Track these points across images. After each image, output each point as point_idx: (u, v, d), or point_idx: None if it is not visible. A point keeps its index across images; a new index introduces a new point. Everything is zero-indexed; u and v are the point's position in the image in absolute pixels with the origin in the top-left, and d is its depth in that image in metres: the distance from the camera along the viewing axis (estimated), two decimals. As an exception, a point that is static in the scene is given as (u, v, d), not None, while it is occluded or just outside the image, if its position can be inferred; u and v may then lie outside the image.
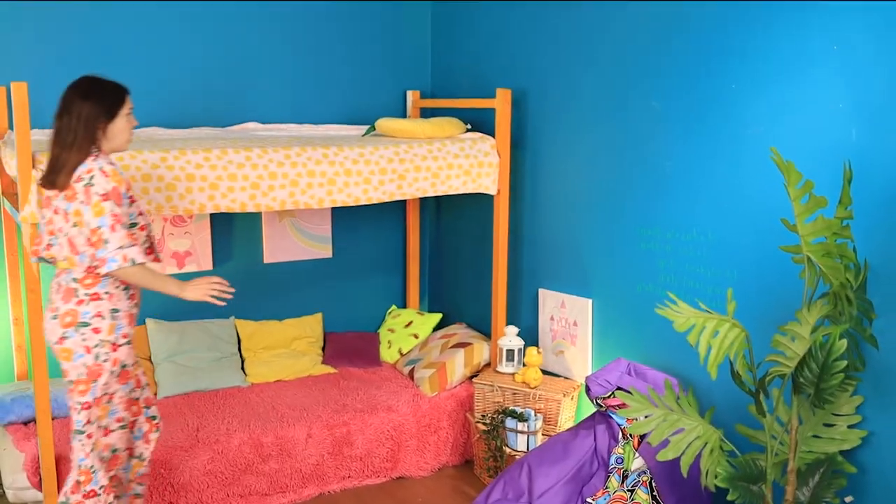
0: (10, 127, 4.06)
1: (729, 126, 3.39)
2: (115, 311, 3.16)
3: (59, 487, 3.53)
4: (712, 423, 3.03)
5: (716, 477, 2.80)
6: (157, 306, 4.67)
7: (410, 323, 5.05)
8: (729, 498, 2.82)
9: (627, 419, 3.50)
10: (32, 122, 4.07)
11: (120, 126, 3.15)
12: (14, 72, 4.14)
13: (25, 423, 3.96)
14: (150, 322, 4.58)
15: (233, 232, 4.85)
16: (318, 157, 3.89)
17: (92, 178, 3.01)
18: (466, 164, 4.22)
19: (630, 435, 3.52)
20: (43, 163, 3.29)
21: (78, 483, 3.19)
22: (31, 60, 4.22)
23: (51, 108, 4.20)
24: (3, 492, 3.82)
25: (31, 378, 4.27)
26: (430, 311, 5.42)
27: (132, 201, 3.14)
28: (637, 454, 3.48)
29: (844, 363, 2.57)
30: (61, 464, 3.57)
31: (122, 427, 3.29)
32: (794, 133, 3.14)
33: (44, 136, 3.99)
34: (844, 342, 2.57)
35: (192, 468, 3.78)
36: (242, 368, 4.71)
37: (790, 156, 2.95)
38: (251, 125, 4.63)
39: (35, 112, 4.10)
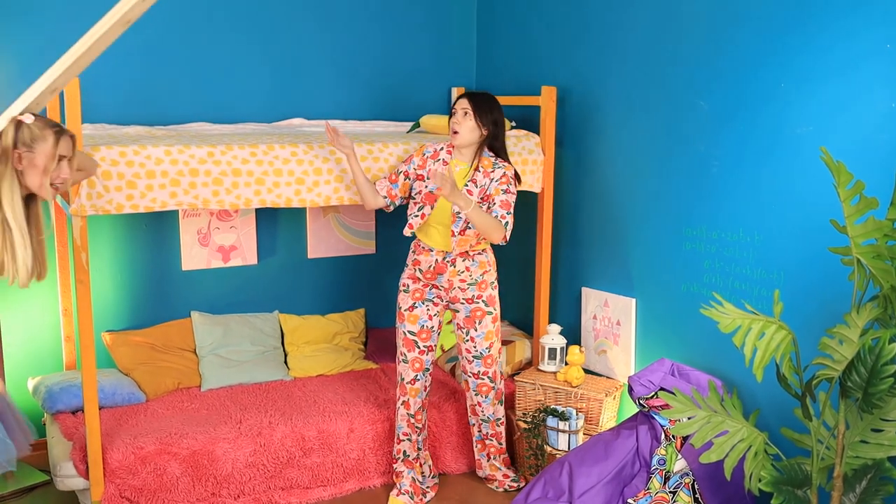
0: (62, 121, 4.13)
1: (778, 126, 3.35)
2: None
3: (105, 476, 3.60)
4: (757, 425, 2.99)
5: (760, 480, 2.76)
6: (202, 300, 4.73)
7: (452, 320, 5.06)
8: (773, 502, 2.78)
9: (670, 420, 3.47)
10: (83, 117, 4.15)
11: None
12: (66, 67, 4.21)
13: (73, 413, 4.03)
14: (194, 315, 4.64)
15: (277, 227, 4.89)
16: (362, 153, 3.91)
17: None
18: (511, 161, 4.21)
19: (673, 436, 3.49)
20: (94, 156, 3.35)
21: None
22: (83, 56, 4.29)
23: (101, 104, 4.31)
24: (52, 479, 3.90)
25: (79, 368, 4.35)
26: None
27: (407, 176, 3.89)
28: (679, 456, 3.45)
29: (894, 367, 2.52)
30: (108, 453, 3.63)
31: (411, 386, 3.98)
32: (845, 133, 3.09)
33: (94, 130, 4.07)
34: (894, 346, 2.52)
35: (235, 460, 3.82)
36: (285, 362, 4.75)
37: (840, 156, 2.90)
38: (297, 121, 4.67)
39: (86, 107, 4.17)
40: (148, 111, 4.45)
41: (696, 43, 3.68)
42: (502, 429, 4.13)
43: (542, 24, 4.65)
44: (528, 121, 4.57)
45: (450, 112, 3.87)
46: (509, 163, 3.86)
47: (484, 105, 3.78)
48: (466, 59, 5.28)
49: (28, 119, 2.84)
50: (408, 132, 4.51)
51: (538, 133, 4.36)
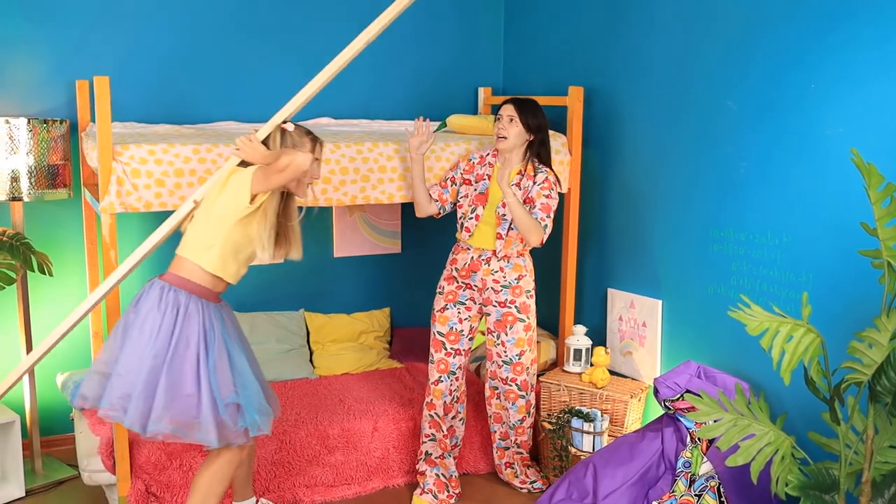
0: (92, 119, 4.17)
1: (807, 127, 3.32)
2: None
3: (132, 471, 3.63)
4: (784, 429, 2.97)
5: (787, 485, 2.74)
6: (228, 297, 4.74)
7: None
8: (800, 507, 2.76)
9: (696, 423, 3.45)
10: (113, 115, 4.18)
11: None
12: (96, 66, 4.26)
13: (101, 408, 4.07)
14: (222, 312, 4.66)
15: (304, 226, 4.88)
16: (389, 152, 3.92)
17: None
18: (537, 161, 4.20)
19: (699, 439, 3.47)
20: (123, 155, 3.39)
21: None
22: (113, 56, 4.33)
23: (131, 103, 4.35)
24: (79, 474, 3.93)
25: (107, 364, 4.38)
26: (498, 308, 5.42)
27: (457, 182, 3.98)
28: (705, 459, 3.43)
29: (924, 372, 2.49)
30: (134, 448, 3.66)
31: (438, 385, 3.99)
32: (876, 134, 3.05)
33: (124, 129, 4.10)
34: (925, 351, 2.49)
35: (260, 457, 3.84)
36: (311, 360, 4.76)
37: (871, 158, 2.87)
38: (324, 120, 4.68)
39: (116, 106, 4.21)
40: (176, 110, 4.49)
41: (725, 43, 3.66)
42: (527, 438, 4.11)
43: (569, 23, 4.64)
44: (555, 121, 4.55)
45: (495, 118, 3.91)
46: (551, 169, 3.89)
47: (528, 110, 3.82)
48: (493, 60, 5.27)
49: (289, 127, 3.20)
50: (434, 131, 4.50)
51: (565, 133, 4.35)
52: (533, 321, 3.96)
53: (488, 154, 3.93)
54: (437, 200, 3.95)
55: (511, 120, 3.81)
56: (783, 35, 3.39)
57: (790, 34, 3.36)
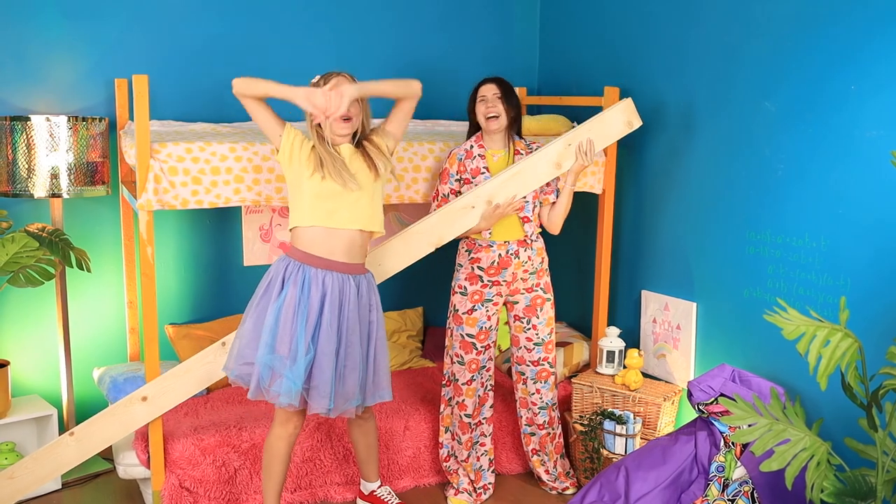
0: (131, 117, 4.22)
1: (846, 128, 3.28)
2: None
3: (166, 466, 3.66)
4: (820, 435, 2.94)
5: (822, 491, 2.71)
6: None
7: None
8: (835, 513, 2.73)
9: (730, 427, 3.42)
10: (151, 113, 4.23)
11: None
12: (135, 65, 4.31)
13: (136, 403, 4.11)
14: (256, 310, 4.70)
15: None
16: (423, 152, 3.92)
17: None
18: (572, 162, 4.18)
19: (732, 443, 3.44)
20: (161, 152, 3.42)
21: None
22: (152, 54, 4.37)
23: (169, 101, 4.39)
24: (114, 467, 3.98)
25: (142, 359, 4.43)
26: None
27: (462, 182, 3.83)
28: (739, 463, 3.40)
29: (965, 379, 2.45)
30: (169, 443, 3.70)
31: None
32: (918, 137, 3.01)
33: (162, 126, 4.15)
34: (966, 357, 2.45)
35: (293, 454, 3.85)
36: (343, 359, 4.78)
37: (913, 161, 2.83)
38: (359, 120, 4.69)
39: (154, 104, 4.25)
40: (214, 108, 4.52)
41: (763, 44, 3.62)
42: (557, 413, 4.10)
43: (606, 23, 4.62)
44: (590, 121, 4.54)
45: (472, 100, 3.83)
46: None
47: (509, 87, 3.79)
48: (529, 60, 5.26)
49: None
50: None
51: (600, 134, 4.32)
52: (553, 296, 4.02)
53: (472, 147, 3.83)
54: None
55: (498, 98, 3.74)
56: (824, 37, 3.35)
57: (831, 36, 3.32)
